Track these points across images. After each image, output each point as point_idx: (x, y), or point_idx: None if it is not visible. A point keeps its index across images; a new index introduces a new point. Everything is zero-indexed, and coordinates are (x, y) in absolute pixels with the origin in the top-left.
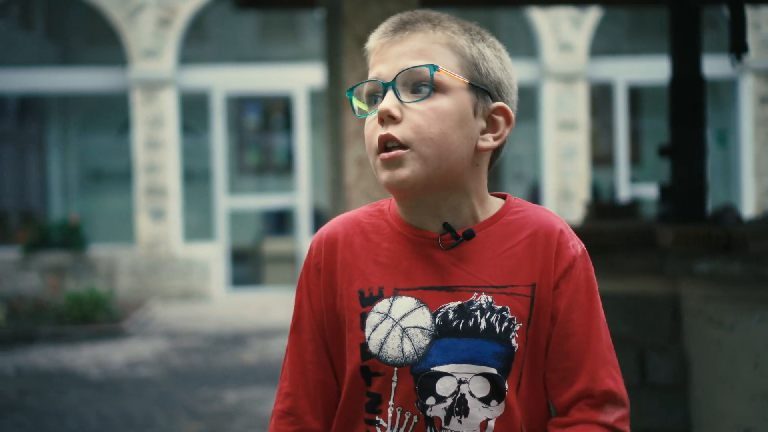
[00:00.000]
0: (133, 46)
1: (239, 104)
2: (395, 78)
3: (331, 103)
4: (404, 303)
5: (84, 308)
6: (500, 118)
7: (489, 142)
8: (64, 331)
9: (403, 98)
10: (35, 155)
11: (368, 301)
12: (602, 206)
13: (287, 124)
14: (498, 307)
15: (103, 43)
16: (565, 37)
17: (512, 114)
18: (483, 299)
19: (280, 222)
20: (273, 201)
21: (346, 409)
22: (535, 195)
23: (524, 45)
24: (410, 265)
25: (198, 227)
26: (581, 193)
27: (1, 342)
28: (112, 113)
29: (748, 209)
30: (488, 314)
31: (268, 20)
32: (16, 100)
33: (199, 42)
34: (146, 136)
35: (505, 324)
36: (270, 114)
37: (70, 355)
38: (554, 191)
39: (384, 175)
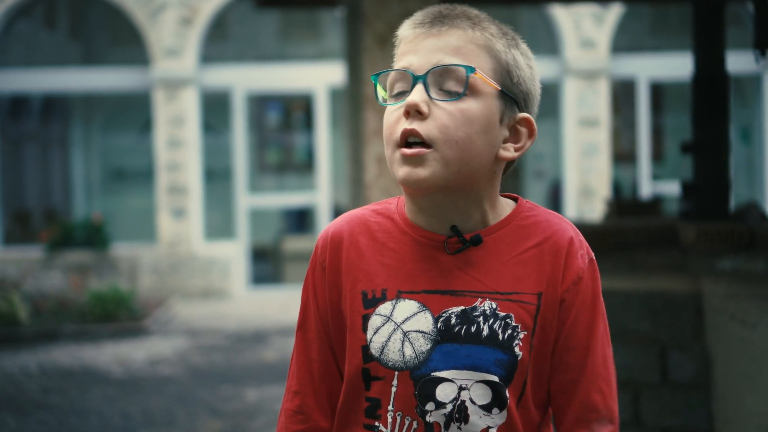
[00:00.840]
0: (155, 45)
1: (260, 103)
2: (428, 72)
3: (352, 102)
4: (407, 306)
5: (106, 306)
6: (524, 130)
7: (510, 152)
8: (86, 329)
9: (433, 95)
10: (58, 154)
11: (371, 303)
12: (624, 203)
13: (308, 123)
14: (502, 314)
15: (126, 43)
16: (587, 33)
17: (536, 127)
18: (487, 305)
19: (301, 220)
20: (293, 199)
21: (344, 412)
22: (555, 192)
23: (546, 42)
24: (415, 268)
25: (219, 226)
26: (602, 190)
27: (25, 340)
28: (134, 112)
29: None
30: (491, 321)
31: (289, 19)
32: (39, 100)
33: (221, 41)
34: (168, 135)
35: (509, 331)
36: (291, 112)
37: (92, 353)
38: (575, 188)
39: (402, 171)
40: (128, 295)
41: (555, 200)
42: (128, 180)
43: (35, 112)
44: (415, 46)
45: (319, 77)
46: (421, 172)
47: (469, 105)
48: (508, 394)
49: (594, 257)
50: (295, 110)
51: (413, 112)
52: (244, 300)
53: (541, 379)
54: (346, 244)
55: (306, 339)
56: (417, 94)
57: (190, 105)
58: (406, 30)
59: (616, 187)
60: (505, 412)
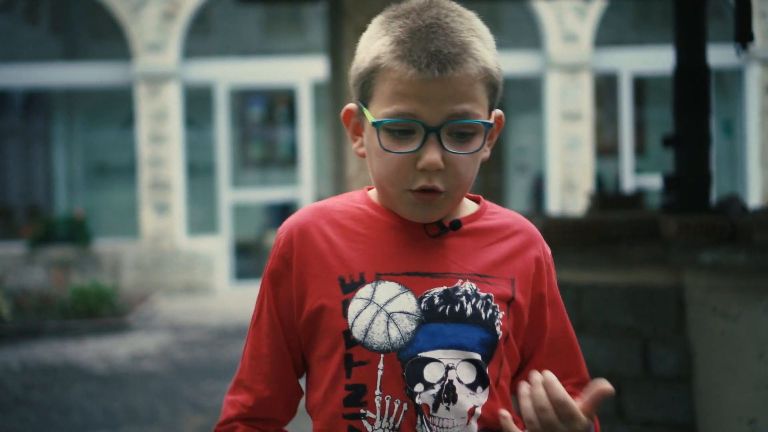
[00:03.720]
0: (137, 40)
1: (243, 97)
2: (442, 126)
3: (334, 96)
4: (388, 288)
5: (89, 302)
6: (494, 125)
7: (487, 152)
8: (69, 325)
9: (447, 146)
10: (40, 150)
11: (349, 287)
12: (606, 197)
13: (291, 117)
14: (482, 294)
15: (108, 38)
16: (569, 27)
17: (503, 120)
18: (468, 286)
19: (284, 215)
20: (276, 194)
21: (322, 406)
22: (539, 186)
23: (529, 36)
24: (392, 251)
25: (202, 221)
26: (585, 183)
27: (7, 336)
28: (116, 107)
29: (754, 199)
30: (474, 300)
31: (272, 13)
32: (21, 95)
33: (203, 35)
34: (150, 129)
35: (490, 311)
36: (274, 107)
37: (75, 350)
38: (558, 182)
39: (414, 212)
40: (111, 290)
41: (538, 194)
42: (111, 175)
43: (16, 108)
44: (421, 91)
45: (301, 72)
46: (435, 214)
47: (475, 144)
48: (488, 373)
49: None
50: (278, 105)
51: (432, 170)
52: (228, 295)
53: (512, 363)
54: (312, 234)
55: (258, 335)
56: (435, 152)
57: (172, 100)
58: (400, 67)
59: (599, 181)
60: (487, 391)
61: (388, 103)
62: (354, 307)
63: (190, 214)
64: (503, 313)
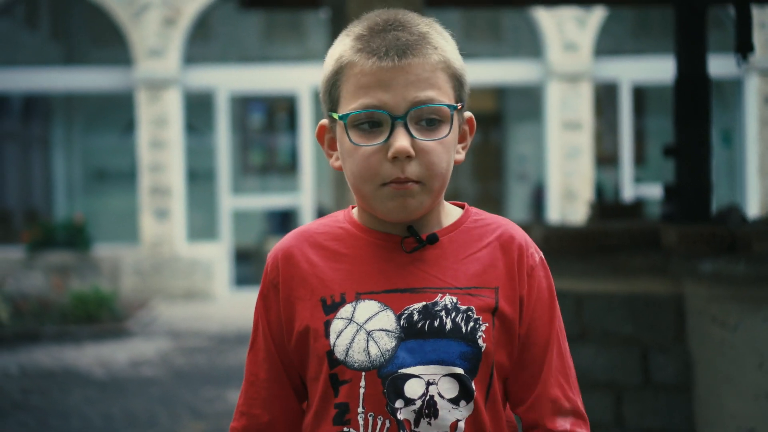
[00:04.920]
0: (138, 45)
1: (244, 104)
2: (407, 113)
3: None
4: (367, 307)
5: (88, 308)
6: (466, 128)
7: (461, 154)
8: (68, 330)
9: (414, 133)
10: (40, 155)
11: (331, 308)
12: (606, 206)
13: (291, 124)
14: (463, 307)
15: (108, 43)
16: (569, 36)
17: (475, 123)
18: (447, 300)
19: (284, 222)
20: (277, 201)
21: (322, 427)
22: (538, 195)
23: (529, 45)
24: (372, 269)
25: (202, 227)
26: (585, 193)
27: (6, 341)
28: (116, 113)
29: (753, 209)
30: (453, 314)
31: (273, 20)
32: (20, 100)
33: (204, 42)
34: (151, 135)
35: (471, 324)
36: (274, 114)
37: (74, 355)
38: (558, 191)
39: (390, 205)
40: (110, 296)
41: (538, 203)
42: (110, 181)
43: (16, 112)
44: (384, 81)
45: (302, 78)
46: (411, 205)
47: (444, 133)
48: (474, 387)
49: (543, 256)
50: (278, 111)
51: (402, 157)
52: (227, 301)
53: (505, 375)
54: (296, 258)
55: (256, 360)
56: (403, 139)
57: (173, 106)
58: (364, 62)
59: (599, 190)
60: (472, 405)
61: (353, 99)
62: (335, 327)
63: (190, 220)
64: (486, 324)
